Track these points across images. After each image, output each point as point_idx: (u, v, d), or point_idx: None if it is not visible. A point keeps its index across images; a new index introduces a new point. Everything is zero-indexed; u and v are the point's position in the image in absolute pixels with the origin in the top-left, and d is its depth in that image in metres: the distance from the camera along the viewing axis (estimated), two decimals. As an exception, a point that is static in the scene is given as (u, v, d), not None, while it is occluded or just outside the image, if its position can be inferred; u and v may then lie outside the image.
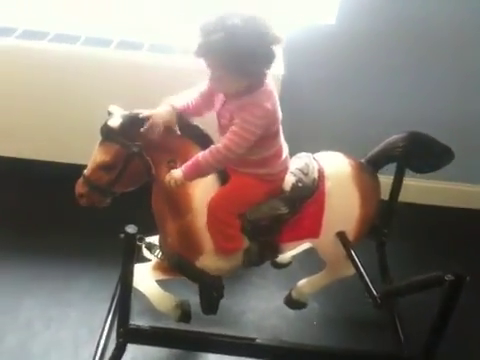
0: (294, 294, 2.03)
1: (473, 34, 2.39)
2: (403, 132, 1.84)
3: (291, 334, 2.07)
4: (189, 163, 1.60)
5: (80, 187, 1.66)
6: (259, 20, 1.49)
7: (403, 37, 2.37)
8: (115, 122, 1.59)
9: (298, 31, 2.25)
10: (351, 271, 1.94)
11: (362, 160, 1.87)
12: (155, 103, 1.65)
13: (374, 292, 1.63)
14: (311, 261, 1.97)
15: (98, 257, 2.24)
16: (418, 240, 2.52)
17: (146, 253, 1.84)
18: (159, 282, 1.79)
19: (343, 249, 1.82)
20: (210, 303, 1.75)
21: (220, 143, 1.59)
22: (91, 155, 1.64)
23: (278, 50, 1.54)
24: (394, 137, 1.84)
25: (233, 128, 1.58)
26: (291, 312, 2.10)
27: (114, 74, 2.23)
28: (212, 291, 1.73)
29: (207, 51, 1.50)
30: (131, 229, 1.52)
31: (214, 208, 1.68)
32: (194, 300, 1.81)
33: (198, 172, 1.62)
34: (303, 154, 1.83)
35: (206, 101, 1.70)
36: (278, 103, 1.63)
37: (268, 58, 1.54)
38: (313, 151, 1.84)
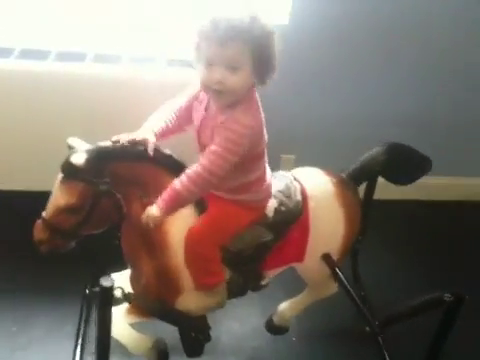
0: (276, 320, 1.94)
1: (422, 29, 2.36)
2: (382, 144, 1.77)
3: (273, 355, 1.98)
4: (165, 195, 1.43)
5: (40, 232, 1.46)
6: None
7: (356, 35, 2.29)
8: (80, 159, 1.39)
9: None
10: (333, 290, 1.88)
11: (343, 175, 1.76)
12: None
13: (373, 322, 1.55)
14: (285, 274, 1.83)
15: (57, 289, 2.07)
16: (384, 235, 2.46)
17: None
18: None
19: (327, 270, 1.73)
20: (194, 346, 1.61)
21: (198, 165, 1.42)
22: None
23: None
24: (374, 151, 1.77)
25: (213, 148, 1.41)
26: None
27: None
28: (197, 334, 1.59)
29: (242, 34, 1.34)
30: (107, 282, 1.36)
31: (193, 242, 1.52)
32: (170, 333, 1.67)
33: (177, 203, 1.45)
34: (281, 173, 1.70)
35: (185, 116, 1.55)
36: (264, 122, 1.49)
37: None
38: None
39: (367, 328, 1.57)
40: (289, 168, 1.79)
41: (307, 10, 2.18)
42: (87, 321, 1.98)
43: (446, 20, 2.34)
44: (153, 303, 1.57)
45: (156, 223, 1.44)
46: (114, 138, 1.46)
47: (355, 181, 1.77)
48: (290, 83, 2.31)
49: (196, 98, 1.52)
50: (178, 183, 1.43)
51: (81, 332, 1.94)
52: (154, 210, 1.43)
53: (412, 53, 2.39)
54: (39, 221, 1.47)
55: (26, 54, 2.06)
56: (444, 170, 2.49)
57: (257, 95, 1.47)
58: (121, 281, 1.63)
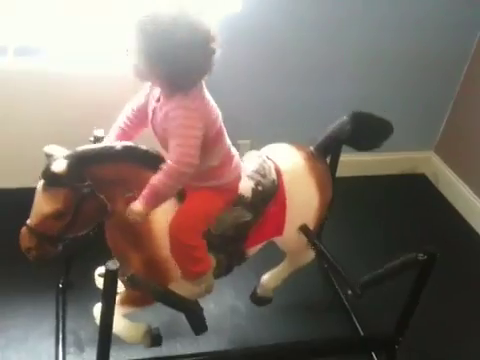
0: (260, 291, 2.01)
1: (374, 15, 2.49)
2: (346, 114, 1.82)
3: (251, 331, 2.07)
4: (146, 191, 1.47)
5: (27, 241, 1.48)
6: (202, 29, 1.37)
7: (308, 21, 2.38)
8: (61, 166, 1.41)
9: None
10: (311, 256, 1.97)
11: (311, 148, 1.84)
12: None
13: (353, 284, 1.63)
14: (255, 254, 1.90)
15: (31, 288, 2.06)
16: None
17: (99, 284, 1.70)
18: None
19: (304, 239, 1.81)
20: (201, 324, 1.67)
21: (169, 160, 1.47)
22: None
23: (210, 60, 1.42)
24: (339, 121, 1.83)
25: (173, 141, 1.45)
26: (243, 307, 2.11)
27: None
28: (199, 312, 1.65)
29: (136, 27, 1.36)
30: (112, 265, 1.38)
31: (176, 232, 1.55)
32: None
33: (158, 198, 1.49)
34: (253, 153, 1.77)
35: (140, 117, 1.59)
36: (211, 106, 1.51)
37: (193, 69, 1.41)
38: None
39: (349, 291, 1.64)
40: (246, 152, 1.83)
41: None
42: (64, 315, 1.98)
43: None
44: (157, 290, 1.58)
45: (141, 218, 1.48)
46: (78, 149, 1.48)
47: (323, 152, 1.85)
48: (243, 69, 2.40)
49: (151, 92, 1.56)
50: (155, 178, 1.47)
51: (60, 327, 1.94)
52: (137, 206, 1.47)
53: (363, 36, 2.52)
54: (24, 229, 1.48)
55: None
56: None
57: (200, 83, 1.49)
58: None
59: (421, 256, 1.63)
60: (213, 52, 1.40)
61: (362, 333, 2.05)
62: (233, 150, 1.65)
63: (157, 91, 1.52)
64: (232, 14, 2.24)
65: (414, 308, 1.75)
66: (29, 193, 1.50)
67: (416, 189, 2.94)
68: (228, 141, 1.62)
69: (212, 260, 1.65)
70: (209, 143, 1.51)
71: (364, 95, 2.60)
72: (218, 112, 1.54)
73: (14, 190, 2.24)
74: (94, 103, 2.02)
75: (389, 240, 2.54)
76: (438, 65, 2.71)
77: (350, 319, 2.11)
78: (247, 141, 2.47)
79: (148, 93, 1.57)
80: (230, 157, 1.62)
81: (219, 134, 1.56)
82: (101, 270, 1.74)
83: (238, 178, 1.65)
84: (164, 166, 1.47)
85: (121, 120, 1.61)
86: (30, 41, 2.07)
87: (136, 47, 1.37)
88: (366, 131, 1.84)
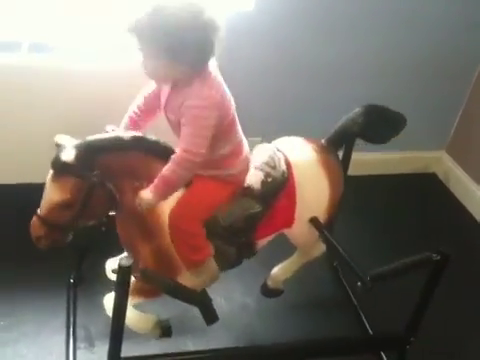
0: (270, 283, 2.01)
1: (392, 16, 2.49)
2: (358, 107, 1.82)
3: (262, 328, 2.06)
4: (157, 181, 1.49)
5: (37, 229, 1.51)
6: (195, 7, 1.38)
7: (321, 19, 2.38)
8: (69, 155, 1.44)
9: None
10: (322, 249, 1.96)
11: (322, 141, 1.84)
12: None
13: (364, 277, 1.61)
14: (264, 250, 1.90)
15: (42, 282, 2.07)
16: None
17: (110, 275, 1.72)
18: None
19: (315, 232, 1.81)
20: (212, 314, 1.66)
21: (179, 148, 1.49)
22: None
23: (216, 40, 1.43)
24: (352, 113, 1.82)
25: (185, 129, 1.48)
26: (253, 304, 2.11)
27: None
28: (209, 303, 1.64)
29: (133, 27, 1.38)
30: (126, 261, 1.39)
31: (175, 219, 1.57)
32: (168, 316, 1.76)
33: (169, 188, 1.51)
34: (264, 146, 1.77)
35: (152, 105, 1.62)
36: (226, 94, 1.53)
37: (202, 46, 1.42)
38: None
39: (359, 283, 1.62)
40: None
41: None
42: (75, 310, 1.98)
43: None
44: (168, 284, 1.58)
45: (150, 206, 1.50)
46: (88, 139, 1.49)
47: (335, 145, 1.85)
48: (255, 66, 2.40)
49: None
50: (166, 169, 1.49)
51: (71, 322, 1.95)
52: (147, 194, 1.49)
53: (375, 34, 2.51)
54: (35, 218, 1.51)
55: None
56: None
57: (214, 70, 1.51)
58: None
59: (435, 256, 1.62)
60: (215, 28, 1.41)
61: (371, 332, 2.04)
62: (245, 143, 1.66)
63: None
64: (244, 11, 2.25)
65: (426, 308, 1.73)
66: (41, 188, 1.52)
67: (427, 188, 2.93)
68: (240, 133, 1.63)
69: (211, 248, 1.64)
70: (222, 132, 1.53)
71: (375, 94, 2.54)
72: (232, 101, 1.56)
73: (26, 185, 2.24)
74: (106, 99, 2.02)
75: (399, 239, 2.52)
76: (450, 64, 2.69)
77: (359, 318, 2.10)
78: (258, 138, 2.46)
79: None
80: (241, 148, 1.64)
81: (232, 123, 1.58)
82: (113, 264, 1.76)
83: (245, 170, 1.66)
84: (174, 156, 1.49)
85: (131, 109, 1.64)
86: (45, 38, 2.08)
87: (145, 45, 1.40)
88: (379, 124, 1.81)
